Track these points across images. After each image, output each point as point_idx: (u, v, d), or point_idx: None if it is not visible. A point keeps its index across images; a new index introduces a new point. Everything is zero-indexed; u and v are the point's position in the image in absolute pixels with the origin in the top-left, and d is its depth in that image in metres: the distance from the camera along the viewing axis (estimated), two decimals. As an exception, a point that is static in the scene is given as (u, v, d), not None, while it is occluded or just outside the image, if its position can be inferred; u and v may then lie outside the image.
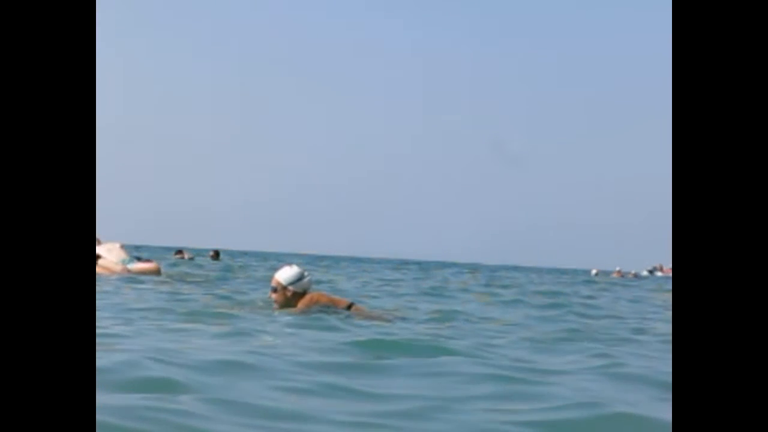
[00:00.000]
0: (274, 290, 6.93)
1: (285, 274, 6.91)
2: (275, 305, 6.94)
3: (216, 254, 34.09)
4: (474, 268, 45.67)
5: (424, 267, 39.62)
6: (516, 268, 57.16)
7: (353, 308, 6.94)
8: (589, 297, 14.75)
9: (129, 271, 12.95)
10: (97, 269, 12.58)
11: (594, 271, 49.35)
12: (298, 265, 7.22)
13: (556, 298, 13.21)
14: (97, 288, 9.89)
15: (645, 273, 51.42)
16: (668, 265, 51.47)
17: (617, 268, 50.86)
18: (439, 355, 4.55)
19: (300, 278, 6.95)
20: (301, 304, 6.82)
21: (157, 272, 13.32)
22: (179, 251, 33.17)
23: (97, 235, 13.59)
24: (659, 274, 50.92)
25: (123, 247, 13.56)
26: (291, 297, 6.89)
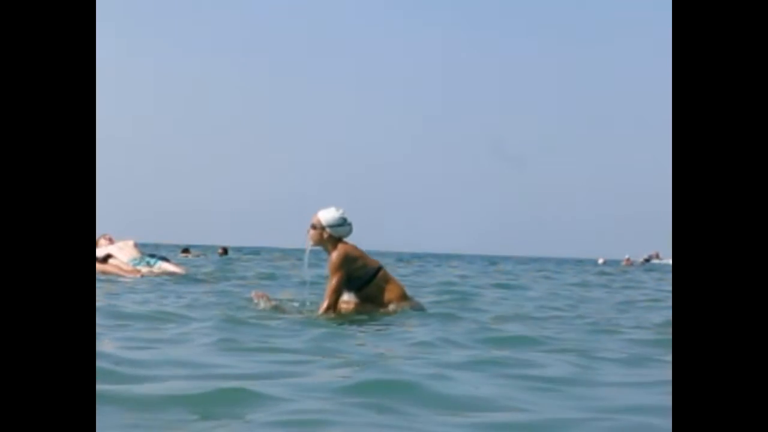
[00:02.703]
0: (313, 227, 6.70)
1: (327, 215, 6.70)
2: (309, 242, 6.75)
3: (224, 251, 34.03)
4: (487, 260, 45.48)
5: (428, 260, 39.41)
6: (521, 260, 57.09)
7: (381, 272, 6.78)
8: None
9: (151, 271, 12.36)
10: (107, 268, 12.19)
11: (601, 260, 49.28)
12: (342, 210, 6.86)
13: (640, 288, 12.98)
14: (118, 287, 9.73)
15: (640, 261, 51.16)
16: (664, 253, 51.45)
17: (626, 256, 50.74)
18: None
19: (341, 224, 6.72)
20: (336, 255, 6.63)
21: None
22: (185, 249, 33.01)
23: (109, 234, 13.20)
24: (655, 261, 50.71)
25: (137, 245, 13.00)
26: (327, 240, 6.69)
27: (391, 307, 6.66)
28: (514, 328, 6.09)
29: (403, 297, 6.81)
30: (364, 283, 6.68)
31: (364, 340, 5.18)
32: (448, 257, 57.37)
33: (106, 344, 4.46)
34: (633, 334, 6.01)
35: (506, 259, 55.31)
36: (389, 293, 6.73)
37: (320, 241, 6.74)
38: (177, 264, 13.87)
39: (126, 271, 12.22)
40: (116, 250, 12.71)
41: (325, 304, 6.60)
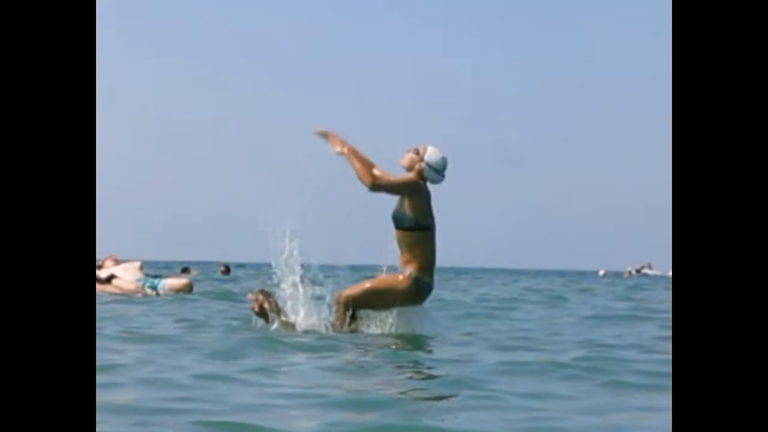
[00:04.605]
0: (416, 152, 6.34)
1: (434, 154, 6.33)
2: (403, 161, 6.38)
3: (226, 269, 33.83)
4: (490, 273, 45.24)
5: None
6: (528, 273, 56.81)
7: (432, 232, 6.40)
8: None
9: (157, 293, 12.33)
10: (108, 289, 12.27)
11: (602, 272, 49.24)
12: (446, 160, 6.46)
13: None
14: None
15: (632, 271, 50.98)
16: (656, 263, 51.31)
17: (628, 268, 50.71)
18: None
19: (438, 170, 6.36)
20: (416, 176, 6.31)
21: (189, 290, 12.94)
22: (185, 269, 32.57)
23: (115, 255, 13.27)
24: (648, 272, 50.61)
25: (142, 267, 13.01)
26: (416, 171, 6.29)
27: (408, 272, 6.28)
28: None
29: (428, 271, 6.37)
30: (413, 224, 6.30)
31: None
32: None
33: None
34: None
35: (513, 273, 54.85)
36: (422, 254, 6.32)
37: (410, 167, 6.35)
38: (179, 275, 13.96)
39: (129, 291, 12.30)
40: (121, 271, 12.85)
41: (371, 175, 6.19)
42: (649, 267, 52.17)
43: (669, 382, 2.61)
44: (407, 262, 6.33)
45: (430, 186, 6.40)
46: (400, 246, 6.37)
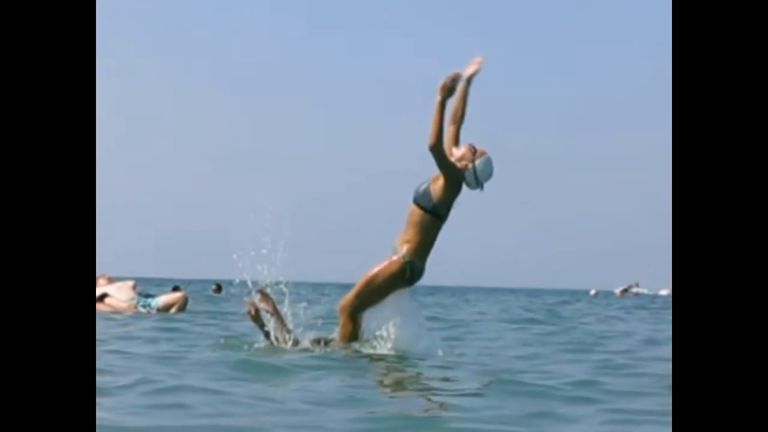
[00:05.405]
0: (475, 150, 6.08)
1: (486, 161, 6.09)
2: (457, 151, 6.14)
3: (218, 288, 33.67)
4: (484, 292, 45.22)
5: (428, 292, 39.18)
6: (512, 291, 56.66)
7: (442, 223, 6.25)
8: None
9: (149, 311, 12.37)
10: (101, 308, 12.25)
11: (593, 291, 49.30)
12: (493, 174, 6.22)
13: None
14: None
15: (619, 291, 51.09)
16: (644, 283, 51.51)
17: (620, 288, 50.85)
18: None
19: (482, 175, 6.11)
20: (453, 162, 6.10)
21: (184, 303, 13.00)
22: (176, 287, 32.41)
23: (108, 274, 13.25)
24: (635, 290, 50.75)
25: (135, 287, 13.06)
26: (462, 167, 6.09)
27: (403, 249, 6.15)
28: None
29: (421, 256, 6.24)
30: (431, 207, 6.14)
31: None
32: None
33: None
34: None
35: (507, 291, 54.70)
36: (422, 238, 6.18)
37: (458, 159, 6.15)
38: (170, 292, 14.01)
39: (122, 309, 12.36)
40: (114, 290, 12.91)
41: (437, 138, 5.97)
42: (637, 286, 52.36)
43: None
44: (405, 241, 6.22)
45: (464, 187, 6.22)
46: (407, 221, 6.25)
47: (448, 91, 6.11)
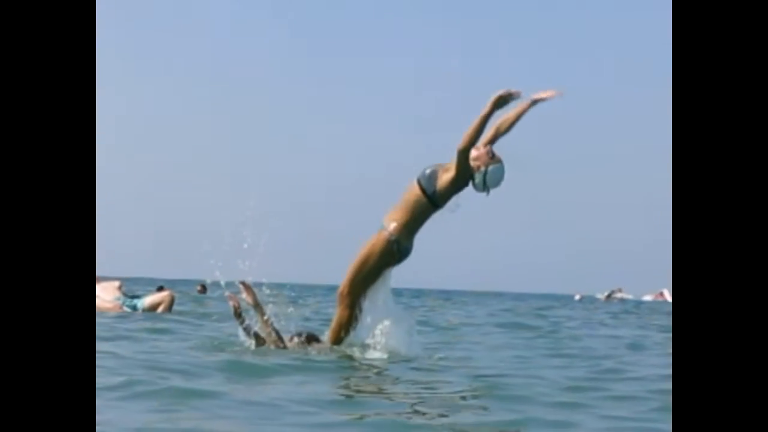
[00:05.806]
0: (493, 156, 6.07)
1: (500, 169, 6.10)
2: (474, 151, 6.11)
3: (203, 288, 33.56)
4: (474, 297, 45.18)
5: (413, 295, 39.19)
6: (499, 294, 56.69)
7: (431, 214, 6.29)
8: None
9: (135, 310, 12.38)
10: None
11: (578, 296, 49.44)
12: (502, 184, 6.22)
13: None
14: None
15: (603, 296, 51.27)
16: (626, 289, 51.75)
17: (605, 293, 50.98)
18: None
19: (489, 181, 6.10)
20: (469, 161, 6.10)
21: (171, 302, 12.92)
22: (160, 287, 32.27)
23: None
24: (618, 295, 51.00)
25: (121, 287, 13.04)
26: (474, 170, 6.07)
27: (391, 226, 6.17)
28: None
29: (407, 235, 6.24)
30: (431, 192, 6.16)
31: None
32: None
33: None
34: None
35: (495, 296, 54.62)
36: (412, 218, 6.20)
37: (476, 159, 6.13)
38: (155, 292, 14.02)
39: (107, 309, 12.36)
40: (100, 290, 12.91)
41: (468, 145, 6.02)
42: (620, 291, 52.60)
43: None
44: (394, 219, 6.22)
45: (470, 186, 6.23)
46: (402, 198, 6.26)
47: (500, 104, 6.08)
